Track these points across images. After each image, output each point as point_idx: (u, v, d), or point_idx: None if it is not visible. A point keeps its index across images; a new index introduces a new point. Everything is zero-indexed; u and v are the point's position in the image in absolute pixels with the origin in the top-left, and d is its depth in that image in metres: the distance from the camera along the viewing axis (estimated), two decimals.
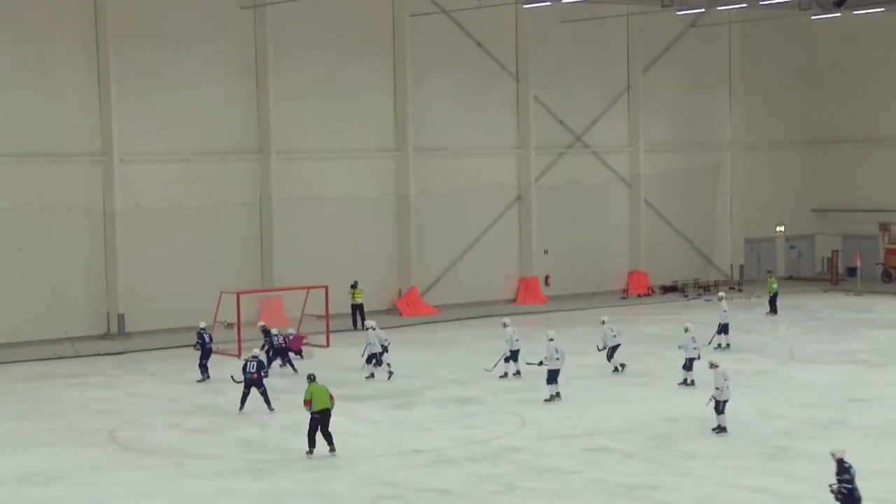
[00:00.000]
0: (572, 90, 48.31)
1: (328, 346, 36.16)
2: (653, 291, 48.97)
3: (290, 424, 26.14)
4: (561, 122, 48.15)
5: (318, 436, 23.22)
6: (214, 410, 27.86)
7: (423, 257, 44.79)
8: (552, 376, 28.18)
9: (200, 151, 40.55)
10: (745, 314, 42.45)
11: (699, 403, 27.84)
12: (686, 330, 30.39)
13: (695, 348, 30.02)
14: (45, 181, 37.83)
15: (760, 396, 28.64)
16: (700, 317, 42.35)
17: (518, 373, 31.00)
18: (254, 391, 27.44)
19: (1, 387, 31.13)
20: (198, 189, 40.50)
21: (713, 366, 25.24)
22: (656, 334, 37.94)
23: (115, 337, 38.24)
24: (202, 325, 32.59)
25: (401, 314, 43.09)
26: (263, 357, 29.70)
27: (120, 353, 35.91)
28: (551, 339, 28.47)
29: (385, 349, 31.77)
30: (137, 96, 39.11)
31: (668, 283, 49.68)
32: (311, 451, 23.30)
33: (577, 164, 48.69)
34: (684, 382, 29.79)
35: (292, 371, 32.12)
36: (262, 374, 27.56)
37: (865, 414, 26.67)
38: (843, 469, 17.70)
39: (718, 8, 47.55)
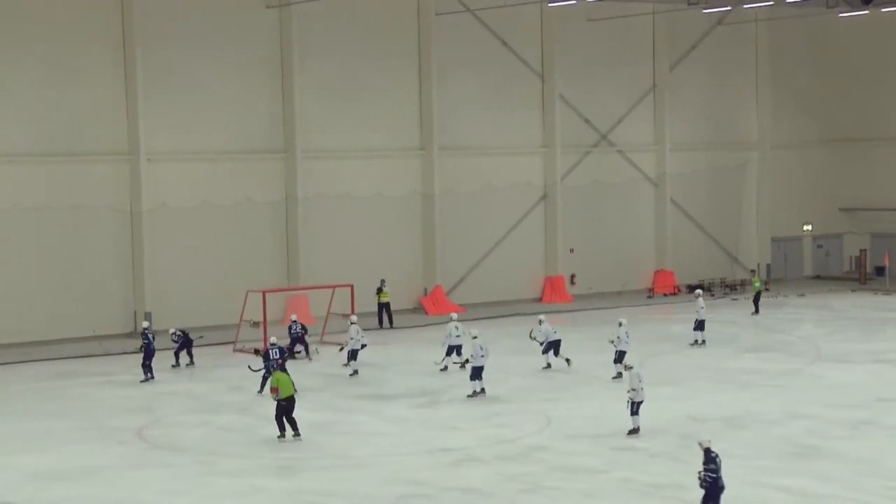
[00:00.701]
0: (598, 89, 48.18)
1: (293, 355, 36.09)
2: (679, 290, 48.81)
3: (317, 423, 26.21)
4: (586, 120, 48.05)
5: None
6: (241, 408, 27.94)
7: (449, 256, 44.78)
8: (476, 373, 28.93)
9: (226, 151, 40.69)
10: (772, 314, 42.26)
11: (726, 402, 27.76)
12: (620, 324, 31.28)
13: (627, 342, 30.97)
14: (73, 181, 38.04)
15: (788, 396, 28.50)
16: (726, 315, 42.29)
17: (464, 365, 30.69)
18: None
19: (30, 385, 31.32)
20: (224, 188, 40.62)
21: (628, 367, 25.15)
22: (682, 334, 37.80)
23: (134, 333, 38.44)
24: (145, 324, 32.84)
25: (426, 313, 43.09)
26: (282, 344, 30.48)
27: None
28: (475, 337, 29.33)
29: (362, 347, 32.35)
30: (164, 96, 39.26)
31: (695, 282, 49.49)
32: (282, 435, 24.54)
33: (602, 162, 48.57)
34: (619, 376, 30.00)
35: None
36: (284, 358, 28.30)
37: (895, 414, 26.52)
38: (710, 458, 18.50)
39: (745, 6, 47.33)
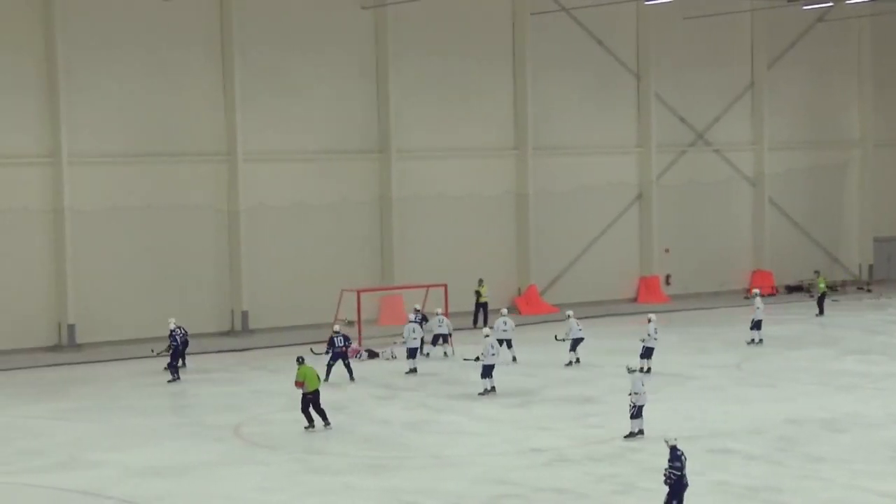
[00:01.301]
0: (694, 87, 47.63)
1: (449, 344, 36.28)
2: (777, 291, 48.05)
3: (410, 422, 26.32)
4: (682, 119, 47.54)
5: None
6: (335, 407, 28.16)
7: (543, 256, 44.64)
8: (487, 371, 29.11)
9: (322, 151, 41.04)
10: (875, 315, 41.39)
11: (826, 405, 27.26)
12: (649, 321, 31.58)
13: (655, 339, 31.41)
14: (172, 181, 38.71)
15: (890, 399, 27.88)
16: (825, 317, 41.50)
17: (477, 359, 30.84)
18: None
19: (130, 381, 31.93)
20: (319, 188, 41.01)
21: (631, 370, 24.60)
22: (781, 335, 37.21)
23: (238, 334, 38.93)
24: (172, 324, 32.69)
25: (520, 313, 43.00)
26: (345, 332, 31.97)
27: (243, 349, 36.53)
28: (487, 335, 29.74)
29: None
30: (261, 97, 39.75)
31: (793, 282, 48.70)
32: (311, 425, 25.61)
33: (698, 162, 48.01)
34: (647, 371, 30.52)
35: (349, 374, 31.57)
36: (347, 346, 30.88)
37: None
38: (675, 456, 18.74)
39: (847, 2, 46.43)
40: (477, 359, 29.89)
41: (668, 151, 47.17)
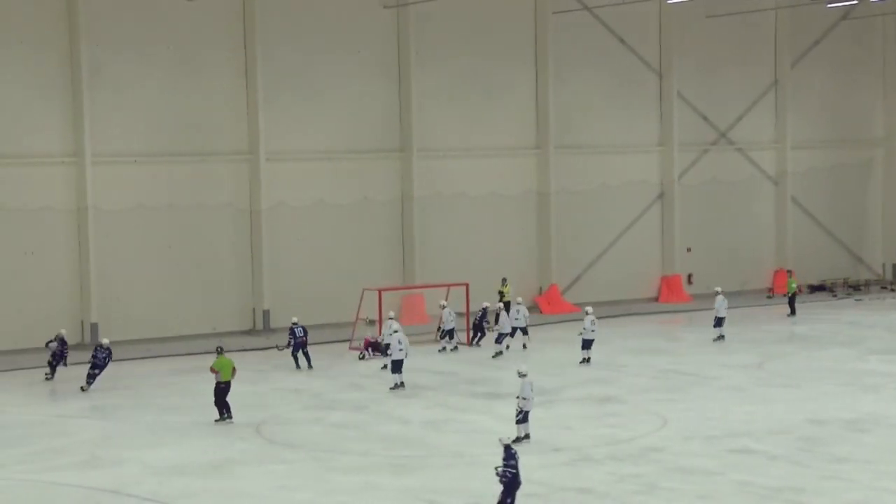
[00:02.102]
0: (717, 86, 47.48)
1: (469, 343, 36.30)
2: (800, 290, 47.86)
3: (430, 420, 26.34)
4: (705, 118, 47.39)
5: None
6: (357, 406, 28.21)
7: (564, 255, 44.60)
8: (396, 366, 30.07)
9: (343, 150, 41.10)
10: None
11: (849, 405, 27.13)
12: (587, 313, 32.88)
13: (593, 331, 32.57)
14: (194, 180, 38.84)
15: None
16: (848, 317, 41.32)
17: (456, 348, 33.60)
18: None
19: (153, 380, 32.06)
20: (341, 187, 41.08)
21: (522, 375, 24.19)
22: (803, 334, 37.07)
23: (260, 332, 39.04)
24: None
25: (541, 312, 42.97)
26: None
27: (265, 348, 36.62)
28: (396, 331, 30.75)
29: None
30: (283, 97, 39.82)
31: (816, 282, 48.48)
32: (221, 418, 26.50)
33: (721, 161, 47.86)
34: (585, 362, 32.33)
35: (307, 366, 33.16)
36: (306, 337, 32.96)
37: None
38: (510, 455, 19.25)
39: (871, 0, 46.20)
40: (388, 353, 30.96)
41: (691, 150, 47.03)
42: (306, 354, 32.98)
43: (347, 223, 41.14)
